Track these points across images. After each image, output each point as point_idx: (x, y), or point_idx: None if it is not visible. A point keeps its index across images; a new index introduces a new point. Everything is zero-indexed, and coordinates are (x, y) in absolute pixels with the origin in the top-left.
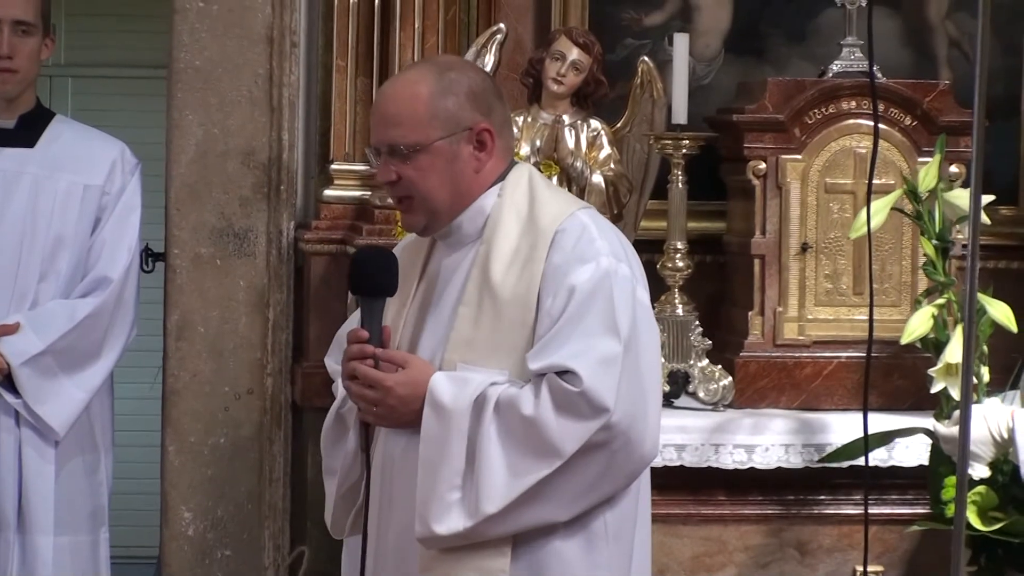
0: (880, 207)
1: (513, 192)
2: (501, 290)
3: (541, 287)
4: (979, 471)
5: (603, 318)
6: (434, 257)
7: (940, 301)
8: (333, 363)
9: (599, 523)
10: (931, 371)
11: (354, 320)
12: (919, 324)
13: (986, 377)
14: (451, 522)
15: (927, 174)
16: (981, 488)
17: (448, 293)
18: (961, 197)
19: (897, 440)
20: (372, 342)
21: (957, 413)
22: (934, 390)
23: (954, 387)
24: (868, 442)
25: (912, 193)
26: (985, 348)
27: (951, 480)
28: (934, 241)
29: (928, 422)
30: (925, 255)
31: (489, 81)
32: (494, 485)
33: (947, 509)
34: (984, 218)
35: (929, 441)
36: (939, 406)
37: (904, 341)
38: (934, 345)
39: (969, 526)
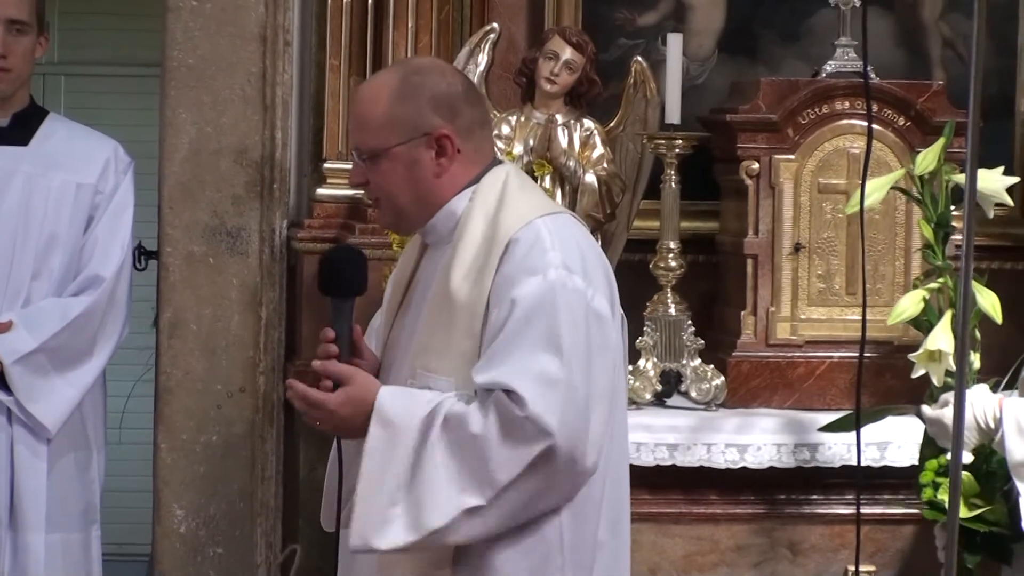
0: (880, 185)
1: (486, 195)
2: (456, 297)
3: (490, 297)
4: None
5: (546, 334)
6: (423, 258)
7: (933, 285)
8: None
9: (554, 531)
10: (912, 356)
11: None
12: (908, 306)
13: (976, 364)
14: (393, 536)
15: (925, 157)
16: (963, 475)
17: (423, 296)
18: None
19: (890, 440)
20: (340, 342)
21: (943, 396)
22: (914, 375)
23: (935, 373)
24: (860, 438)
25: (915, 175)
26: (978, 335)
27: (931, 464)
28: (933, 224)
29: None
30: (924, 238)
31: (458, 85)
32: (438, 500)
33: (924, 492)
34: (1006, 199)
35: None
36: (928, 390)
37: (891, 322)
38: (927, 329)
39: (946, 512)
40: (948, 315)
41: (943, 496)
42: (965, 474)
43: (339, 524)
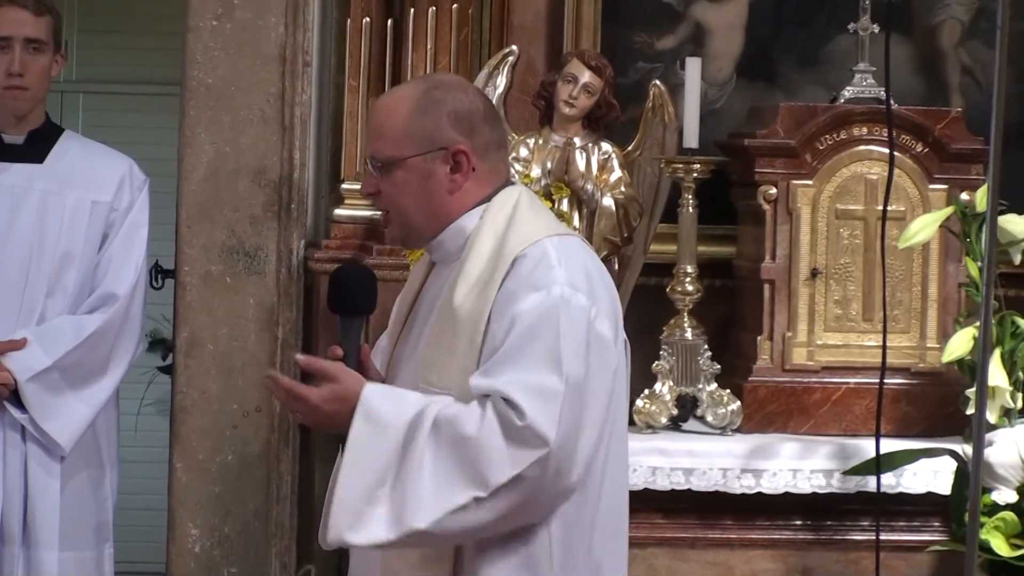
0: (929, 222)
1: (496, 214)
2: (459, 311)
3: (492, 311)
4: (1006, 495)
5: (546, 350)
6: (430, 276)
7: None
8: None
9: (543, 550)
10: (969, 392)
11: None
12: (960, 345)
13: (1020, 402)
14: (371, 534)
15: (985, 194)
16: (1006, 514)
17: (428, 313)
18: (1011, 222)
19: (905, 466)
20: (348, 360)
21: (988, 436)
22: (969, 411)
23: (990, 410)
24: (880, 465)
25: (963, 214)
26: (1021, 374)
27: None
28: (979, 263)
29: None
30: (968, 276)
31: (479, 103)
32: (424, 501)
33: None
34: None
35: (938, 468)
36: (968, 428)
37: (945, 360)
38: (969, 368)
39: (992, 551)
40: (997, 352)
41: (987, 536)
42: (1008, 513)
43: None
